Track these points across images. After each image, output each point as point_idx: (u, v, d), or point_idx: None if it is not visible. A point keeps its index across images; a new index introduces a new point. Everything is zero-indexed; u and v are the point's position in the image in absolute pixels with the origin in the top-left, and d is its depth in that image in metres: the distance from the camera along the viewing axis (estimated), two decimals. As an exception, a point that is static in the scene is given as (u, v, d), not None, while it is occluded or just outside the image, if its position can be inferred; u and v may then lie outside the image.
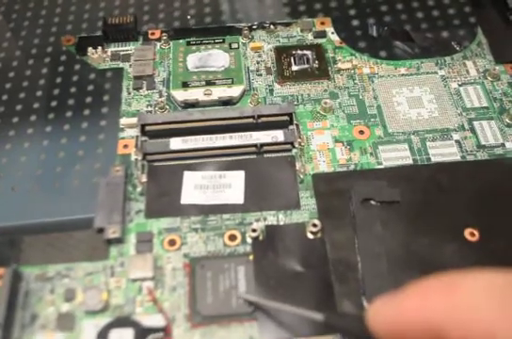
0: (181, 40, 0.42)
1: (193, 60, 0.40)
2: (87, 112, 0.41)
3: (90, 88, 0.43)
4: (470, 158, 0.35)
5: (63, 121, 0.41)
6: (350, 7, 0.47)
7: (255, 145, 0.35)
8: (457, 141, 0.36)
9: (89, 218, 0.33)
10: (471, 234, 0.31)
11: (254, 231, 0.31)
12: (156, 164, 0.35)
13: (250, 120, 0.36)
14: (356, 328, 0.22)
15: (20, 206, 0.38)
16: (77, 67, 0.44)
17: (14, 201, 0.38)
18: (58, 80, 0.43)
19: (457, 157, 0.35)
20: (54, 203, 0.38)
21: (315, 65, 0.40)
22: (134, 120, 0.36)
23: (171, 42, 0.42)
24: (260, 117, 0.36)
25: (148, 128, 0.35)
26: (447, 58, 0.41)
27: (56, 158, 0.39)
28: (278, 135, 0.36)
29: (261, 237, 0.31)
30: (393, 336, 0.20)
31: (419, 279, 0.29)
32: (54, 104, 0.42)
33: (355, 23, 0.46)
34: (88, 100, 0.42)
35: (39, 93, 0.43)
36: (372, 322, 0.21)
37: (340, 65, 0.40)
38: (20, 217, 0.37)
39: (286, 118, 0.36)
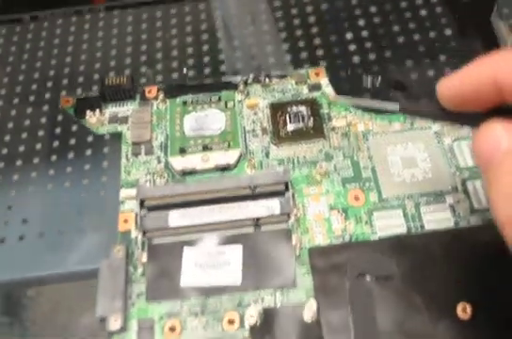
0: (177, 99, 0.42)
1: (190, 122, 0.40)
2: (87, 167, 0.43)
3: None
4: (463, 224, 0.35)
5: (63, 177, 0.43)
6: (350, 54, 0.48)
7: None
8: (451, 206, 0.36)
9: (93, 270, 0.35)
10: (463, 310, 0.32)
11: (252, 316, 0.32)
12: (155, 241, 0.36)
13: (247, 190, 0.36)
14: (431, 108, 0.27)
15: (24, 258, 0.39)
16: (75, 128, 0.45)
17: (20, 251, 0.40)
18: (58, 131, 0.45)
19: (451, 224, 0.35)
20: (56, 255, 0.39)
21: (310, 124, 0.40)
22: (133, 192, 0.37)
23: (168, 101, 0.42)
24: (256, 187, 0.36)
25: (147, 202, 0.36)
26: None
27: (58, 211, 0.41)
28: (274, 205, 0.36)
29: (258, 323, 0.32)
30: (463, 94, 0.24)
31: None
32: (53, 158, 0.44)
33: (343, 74, 0.46)
34: (88, 152, 0.43)
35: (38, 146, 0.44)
36: (440, 90, 0.25)
37: (334, 122, 0.40)
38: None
39: (282, 187, 0.37)
